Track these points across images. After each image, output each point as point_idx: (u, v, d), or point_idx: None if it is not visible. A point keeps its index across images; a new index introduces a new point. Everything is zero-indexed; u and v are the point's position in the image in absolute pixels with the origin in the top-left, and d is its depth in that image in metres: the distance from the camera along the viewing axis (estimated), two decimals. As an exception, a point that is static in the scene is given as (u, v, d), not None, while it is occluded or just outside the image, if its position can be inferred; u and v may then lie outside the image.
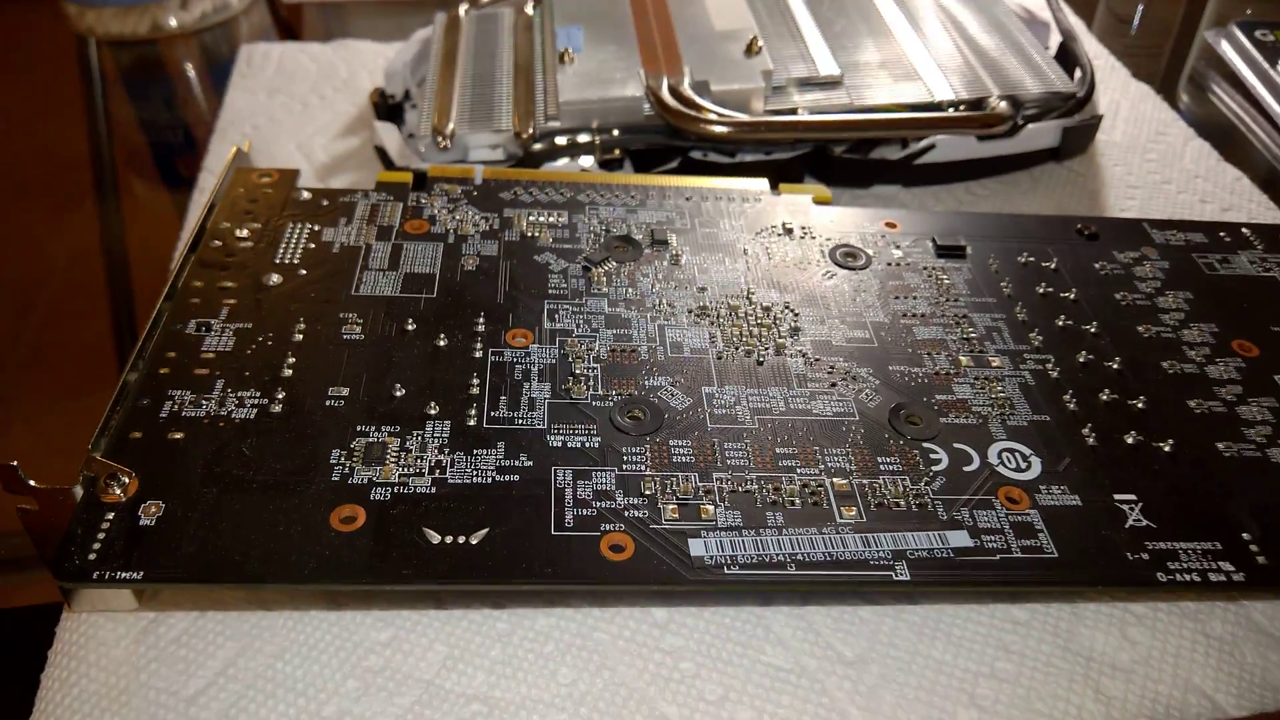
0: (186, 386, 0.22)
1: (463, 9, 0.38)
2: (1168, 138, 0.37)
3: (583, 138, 0.32)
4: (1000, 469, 0.22)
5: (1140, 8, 0.47)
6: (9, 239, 0.35)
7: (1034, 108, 0.33)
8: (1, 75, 0.44)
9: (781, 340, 0.25)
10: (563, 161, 0.32)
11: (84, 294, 0.33)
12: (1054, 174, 0.35)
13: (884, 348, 0.25)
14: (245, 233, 0.27)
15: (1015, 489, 0.22)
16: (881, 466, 0.22)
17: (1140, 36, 0.45)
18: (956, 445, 0.23)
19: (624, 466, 0.22)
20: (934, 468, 0.22)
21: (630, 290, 0.27)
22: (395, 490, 0.21)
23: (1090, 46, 0.42)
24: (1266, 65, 0.39)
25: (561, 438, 0.22)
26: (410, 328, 0.25)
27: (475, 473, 0.21)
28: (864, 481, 0.22)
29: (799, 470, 0.22)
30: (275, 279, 0.26)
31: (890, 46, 0.35)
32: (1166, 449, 0.23)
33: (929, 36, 0.36)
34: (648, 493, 0.21)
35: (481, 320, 0.25)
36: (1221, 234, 0.31)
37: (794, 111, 0.32)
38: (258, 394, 0.22)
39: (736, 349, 0.25)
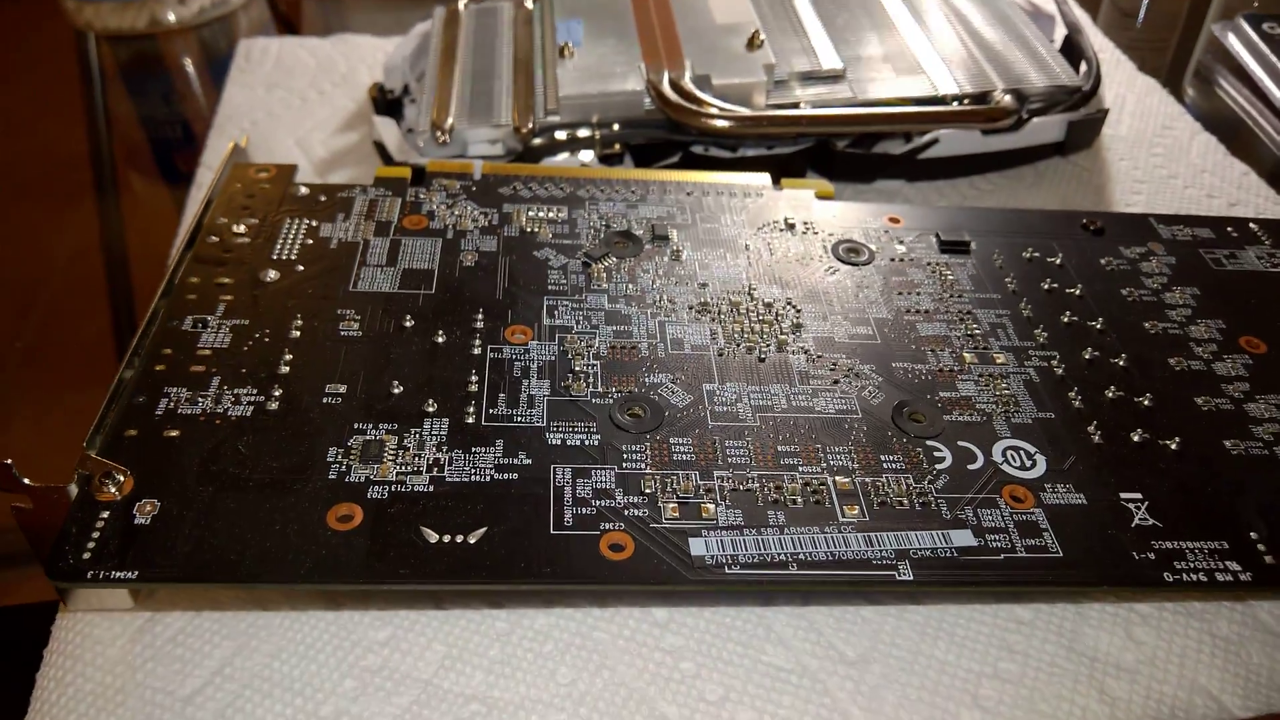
0: (182, 384, 0.22)
1: (462, 3, 0.38)
2: (1174, 132, 0.36)
3: (583, 132, 0.32)
4: (1005, 467, 0.22)
5: (1146, 0, 0.46)
6: (9, 237, 0.35)
7: (1039, 101, 0.33)
8: (1, 71, 0.44)
9: (783, 337, 0.25)
10: (562, 156, 0.32)
11: (84, 291, 0.33)
12: (1059, 169, 0.35)
13: (887, 344, 0.25)
14: (242, 228, 0.27)
15: (1020, 487, 0.22)
16: (884, 464, 0.22)
17: (1146, 29, 0.45)
18: (960, 443, 0.23)
19: (624, 465, 0.21)
20: (937, 466, 0.22)
21: (630, 286, 0.26)
22: (393, 489, 0.20)
23: (1095, 40, 0.41)
24: (1274, 58, 0.39)
25: (561, 435, 0.22)
26: (408, 324, 0.24)
27: (474, 471, 0.21)
28: (867, 480, 0.22)
29: (801, 468, 0.22)
30: (272, 275, 0.26)
31: (893, 40, 0.35)
32: (1173, 447, 0.23)
33: (932, 29, 0.36)
34: (648, 491, 0.21)
35: (480, 316, 0.25)
36: (1229, 229, 0.30)
37: (796, 106, 0.32)
38: (254, 391, 0.22)
39: (738, 345, 0.25)
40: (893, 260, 0.28)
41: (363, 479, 0.21)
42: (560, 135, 0.32)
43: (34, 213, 0.36)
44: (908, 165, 0.33)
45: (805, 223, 0.29)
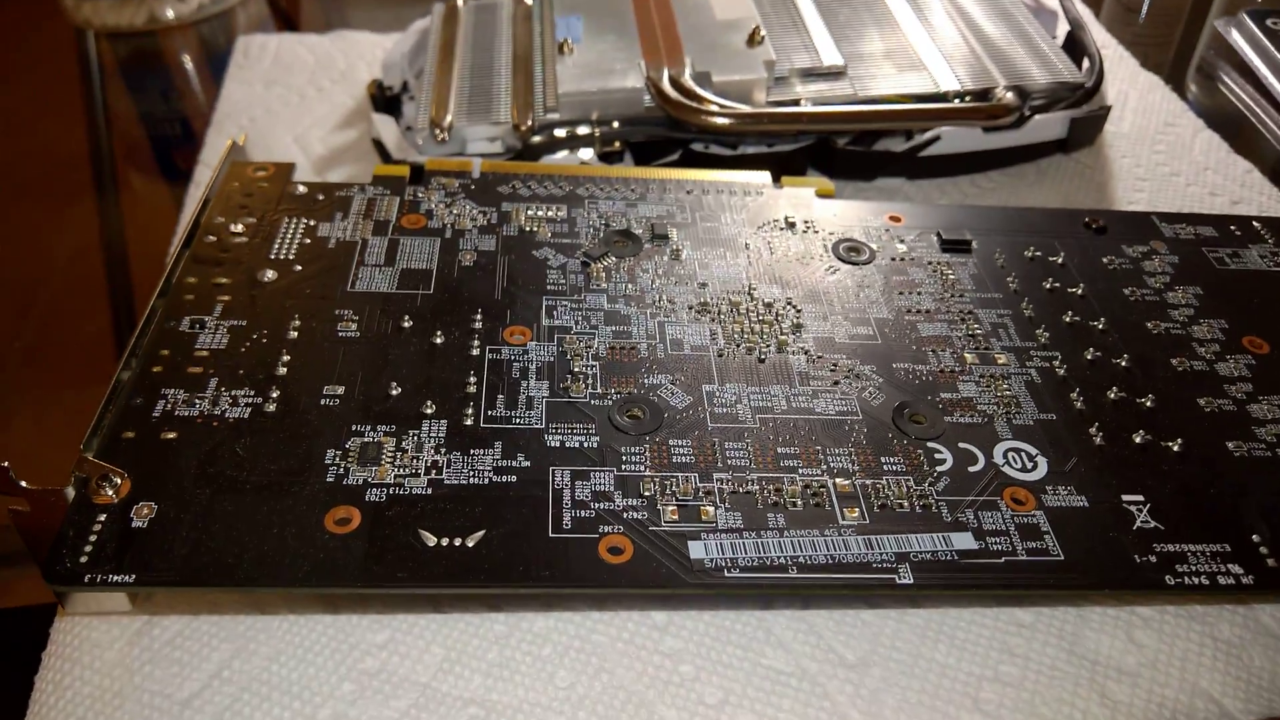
0: (180, 385, 0.22)
1: (461, -1, 0.37)
2: (1177, 129, 0.36)
3: (582, 130, 0.32)
4: (1006, 469, 0.22)
5: (1149, -5, 0.46)
6: (8, 236, 0.35)
7: (1041, 98, 0.33)
8: (0, 70, 0.44)
9: (783, 337, 0.25)
10: (562, 154, 0.32)
11: (83, 290, 0.33)
12: (1061, 166, 0.34)
13: (888, 345, 0.25)
14: (240, 228, 0.27)
15: (1021, 489, 0.22)
16: (885, 467, 0.22)
17: (1149, 25, 0.45)
18: (961, 445, 0.23)
19: (623, 467, 0.21)
20: (938, 468, 0.22)
21: (630, 286, 0.26)
22: (391, 491, 0.20)
23: (1098, 36, 0.41)
24: (1277, 54, 0.38)
25: (560, 437, 0.22)
26: (406, 325, 0.24)
27: (472, 473, 0.21)
28: (867, 482, 0.21)
29: (801, 470, 0.22)
30: (270, 275, 0.25)
31: (894, 36, 0.35)
32: (1175, 448, 0.23)
33: (934, 25, 0.35)
34: (647, 494, 0.21)
35: (479, 317, 0.25)
36: (1232, 227, 0.30)
37: (797, 103, 0.32)
38: (252, 393, 0.22)
39: (738, 346, 0.25)
40: (894, 259, 0.28)
41: (360, 481, 0.20)
42: (560, 133, 0.32)
43: (34, 211, 0.36)
44: (909, 163, 0.33)
45: (806, 221, 0.29)
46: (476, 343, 0.24)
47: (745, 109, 0.31)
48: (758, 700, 0.20)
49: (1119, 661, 0.21)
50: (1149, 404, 0.24)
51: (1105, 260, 0.28)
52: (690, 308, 0.26)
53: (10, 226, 0.36)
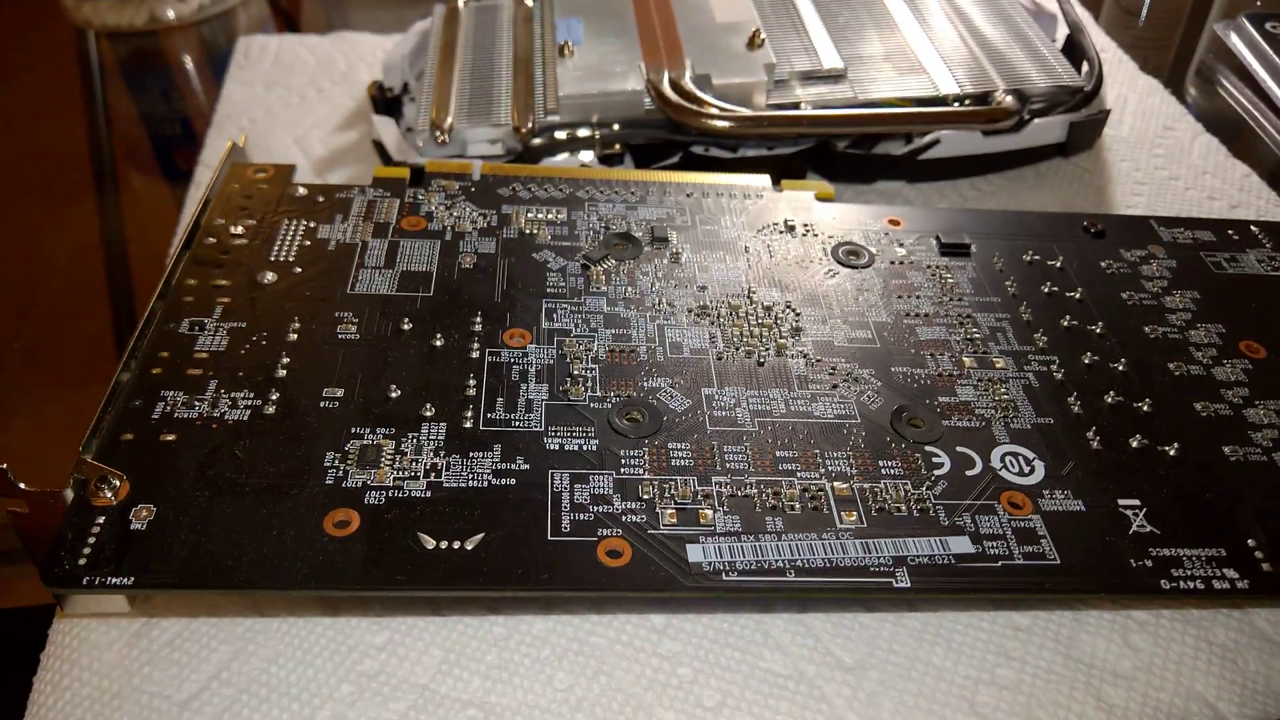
0: (179, 387, 0.22)
1: (462, 1, 0.37)
2: (1176, 133, 0.36)
3: (583, 132, 0.32)
4: (1003, 473, 0.22)
5: (1148, -1, 0.46)
6: (9, 236, 0.35)
7: (1040, 102, 0.33)
8: (0, 69, 0.44)
9: (783, 341, 0.25)
10: (562, 156, 0.32)
11: (83, 290, 0.33)
12: (1060, 169, 0.35)
13: (886, 348, 0.25)
14: (240, 229, 0.27)
15: (1018, 494, 0.22)
16: (883, 470, 0.22)
17: (1148, 28, 0.45)
18: (959, 449, 0.23)
19: (622, 470, 0.21)
20: (936, 472, 0.22)
21: (630, 289, 0.26)
22: (390, 494, 0.20)
23: (1098, 39, 0.41)
24: (1276, 58, 0.39)
25: (559, 440, 0.22)
26: (406, 327, 0.24)
27: (471, 476, 0.21)
28: (865, 486, 0.22)
29: (799, 474, 0.22)
30: (270, 277, 0.25)
31: (894, 39, 0.35)
32: (1172, 453, 0.23)
33: (934, 29, 0.35)
34: (646, 497, 0.21)
35: (479, 319, 0.25)
36: (1230, 232, 0.30)
37: (797, 106, 0.32)
38: (251, 395, 0.22)
39: (737, 349, 0.25)
40: (893, 263, 0.28)
41: (360, 484, 0.21)
42: (560, 135, 0.32)
43: (34, 211, 0.36)
44: (908, 166, 0.33)
45: (805, 225, 0.29)
46: (476, 345, 0.24)
47: (745, 112, 0.31)
48: (755, 703, 0.20)
49: (1115, 665, 0.21)
50: (1146, 408, 0.24)
51: (1103, 264, 0.28)
52: (690, 311, 0.26)
53: (10, 226, 0.36)
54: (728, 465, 0.22)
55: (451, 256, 0.27)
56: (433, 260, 0.27)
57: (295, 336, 0.24)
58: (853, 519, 0.21)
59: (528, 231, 0.28)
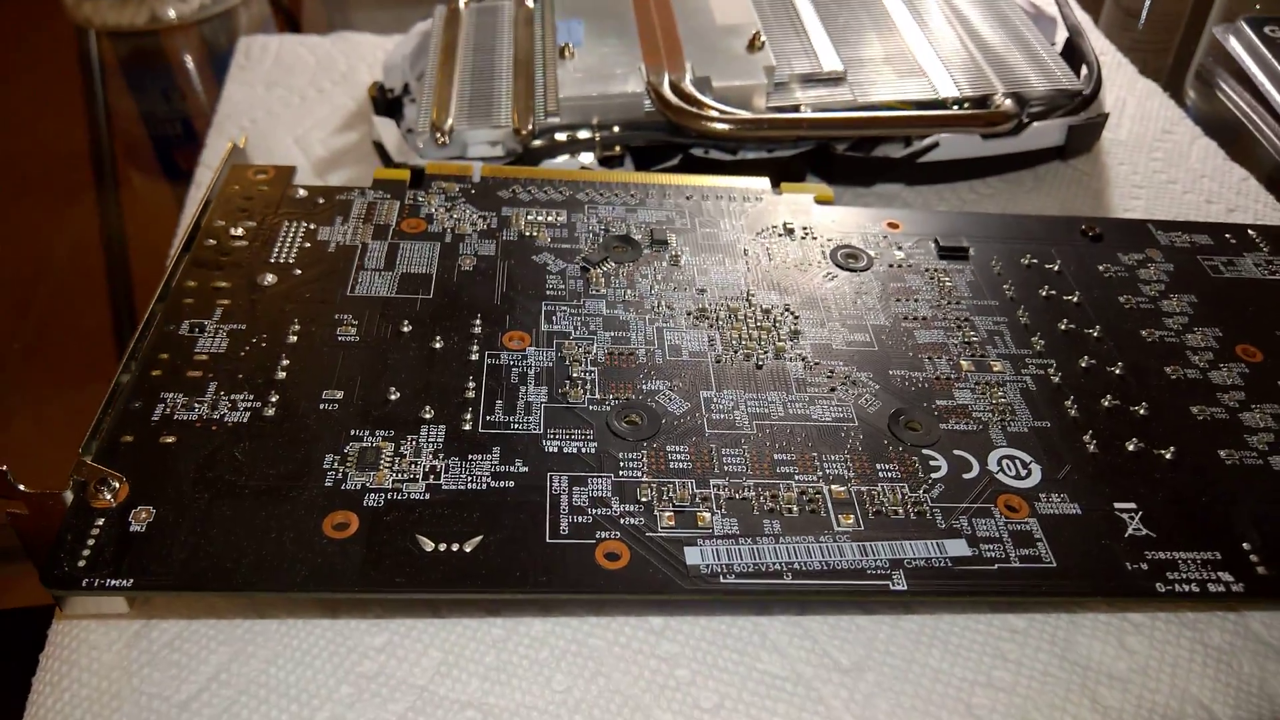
0: (179, 389, 0.22)
1: (463, 1, 0.37)
2: (1174, 136, 0.36)
3: (583, 134, 0.32)
4: (1000, 476, 0.22)
5: (1148, 1, 0.46)
6: (9, 235, 0.35)
7: (1039, 105, 0.33)
8: (1, 68, 0.44)
9: (781, 344, 0.25)
10: (562, 158, 0.32)
11: (84, 288, 0.33)
12: (1059, 173, 0.35)
13: (884, 351, 0.25)
14: (240, 231, 0.27)
15: (1015, 497, 0.22)
16: (880, 473, 0.22)
17: (1148, 31, 0.45)
18: (956, 452, 0.23)
19: (620, 473, 0.21)
20: (933, 475, 0.22)
21: (629, 292, 0.26)
22: (389, 496, 0.20)
23: (1097, 42, 0.41)
24: (1275, 62, 0.39)
25: (558, 443, 0.22)
26: (406, 329, 0.24)
27: (470, 479, 0.21)
28: (862, 489, 0.22)
29: (797, 477, 0.22)
30: (270, 279, 0.26)
31: (894, 41, 0.35)
32: (1168, 456, 0.23)
33: (934, 31, 0.35)
34: (644, 500, 0.21)
35: (478, 322, 0.25)
36: (1227, 235, 0.30)
37: (796, 108, 0.32)
38: (251, 397, 0.22)
39: (735, 352, 0.25)
40: (891, 266, 0.28)
41: (359, 486, 0.21)
42: (560, 137, 0.32)
43: (34, 210, 0.36)
44: (907, 169, 0.33)
45: (804, 228, 0.29)
46: (475, 348, 0.24)
47: (745, 114, 0.31)
48: (753, 705, 0.20)
49: (1110, 667, 0.21)
50: (1142, 412, 0.24)
51: (1101, 268, 0.28)
52: (689, 314, 0.26)
53: (11, 226, 0.36)
54: (726, 468, 0.22)
55: (451, 259, 0.27)
56: (432, 262, 0.27)
57: (295, 339, 0.24)
58: (850, 522, 0.21)
59: (527, 234, 0.28)
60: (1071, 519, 0.21)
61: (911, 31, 0.35)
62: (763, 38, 0.33)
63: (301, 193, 0.29)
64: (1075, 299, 0.27)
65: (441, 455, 0.21)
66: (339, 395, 0.23)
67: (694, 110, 0.31)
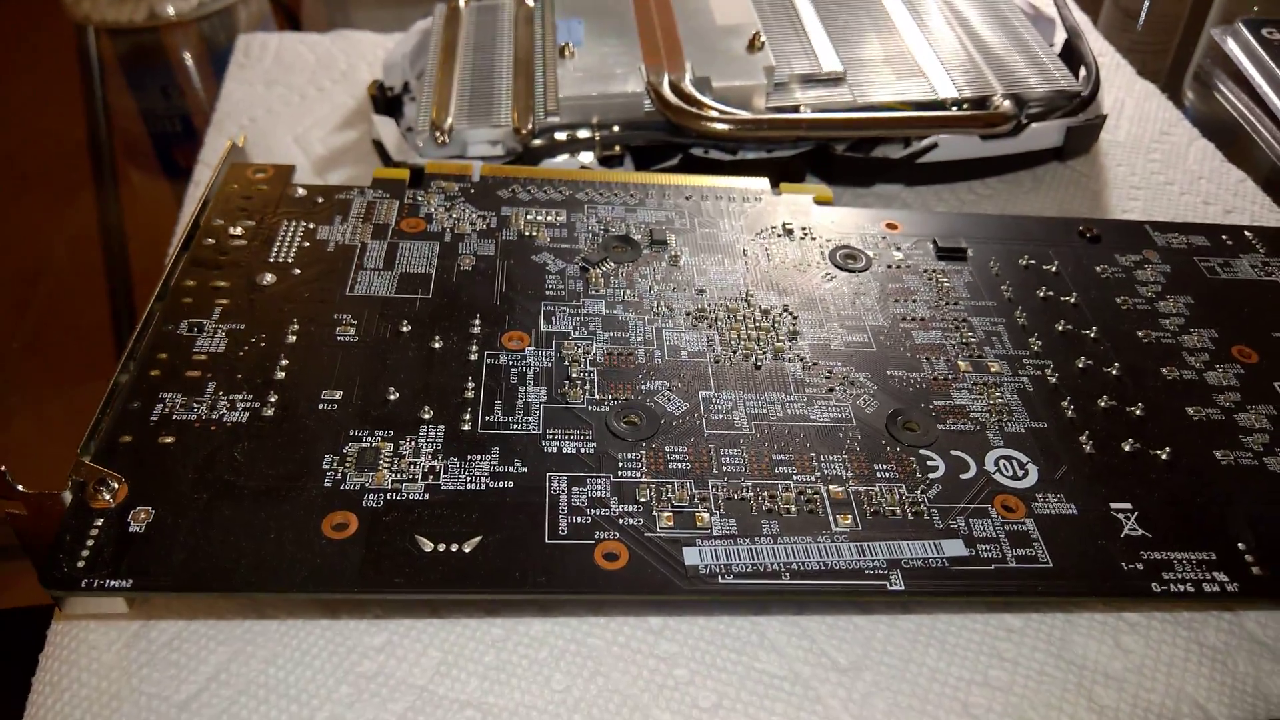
0: (178, 389, 0.22)
1: (463, 0, 0.37)
2: (1172, 138, 0.36)
3: (583, 134, 0.32)
4: (997, 477, 0.22)
5: (1147, 3, 0.46)
6: (8, 231, 0.35)
7: (1038, 106, 0.33)
8: (1, 64, 0.44)
9: (780, 344, 0.25)
10: (562, 158, 0.32)
11: (83, 285, 0.33)
12: (1057, 174, 0.35)
13: (883, 352, 0.25)
14: (239, 230, 0.27)
15: (1012, 497, 0.22)
16: (878, 474, 0.22)
17: (1146, 32, 0.45)
18: (954, 452, 0.23)
19: (619, 473, 0.22)
20: (930, 475, 0.22)
21: (628, 292, 0.26)
22: (388, 497, 0.21)
23: (1096, 43, 0.41)
24: (1273, 64, 0.39)
25: (557, 443, 0.22)
26: (405, 329, 0.25)
27: (469, 479, 0.21)
28: (860, 489, 0.22)
29: (795, 477, 0.22)
30: (269, 278, 0.26)
31: (894, 42, 0.35)
32: (1164, 457, 0.23)
33: (933, 32, 0.36)
34: (643, 500, 0.21)
35: (477, 322, 0.25)
36: (1224, 237, 0.30)
37: (796, 109, 0.32)
38: (250, 397, 0.22)
39: (734, 353, 0.25)
40: (890, 267, 0.28)
41: (358, 487, 0.21)
42: (560, 136, 0.32)
43: (33, 208, 0.36)
44: (906, 169, 0.33)
45: (803, 228, 0.29)
46: (475, 348, 0.24)
47: (744, 115, 0.31)
48: (751, 704, 0.20)
49: (1106, 667, 0.21)
50: (1139, 413, 0.24)
51: (1098, 269, 0.29)
52: (688, 314, 0.26)
53: (10, 223, 0.36)
54: (724, 468, 0.22)
55: (450, 258, 0.27)
56: (432, 262, 0.27)
57: (294, 338, 0.24)
58: (848, 522, 0.21)
59: (527, 234, 0.28)
60: (1068, 519, 0.22)
61: (911, 32, 0.35)
62: (762, 38, 0.33)
63: (300, 192, 0.29)
64: (1073, 300, 0.27)
65: (440, 455, 0.21)
66: (338, 395, 0.23)
67: (694, 110, 0.31)
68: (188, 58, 0.44)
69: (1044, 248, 0.29)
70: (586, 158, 0.32)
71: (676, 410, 0.23)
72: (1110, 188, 0.34)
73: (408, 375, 0.23)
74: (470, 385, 0.23)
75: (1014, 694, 0.20)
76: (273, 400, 0.22)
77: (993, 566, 0.20)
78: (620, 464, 0.22)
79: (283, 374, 0.23)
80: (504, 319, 0.25)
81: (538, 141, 0.31)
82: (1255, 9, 0.44)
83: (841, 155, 0.33)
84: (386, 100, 0.35)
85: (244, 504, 0.20)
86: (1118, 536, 0.21)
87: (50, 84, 0.43)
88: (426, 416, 0.22)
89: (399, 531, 0.20)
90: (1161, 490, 0.22)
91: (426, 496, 0.21)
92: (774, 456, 0.22)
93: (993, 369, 0.25)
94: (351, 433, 0.22)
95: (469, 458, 0.21)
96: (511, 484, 0.21)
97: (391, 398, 0.23)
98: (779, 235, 0.29)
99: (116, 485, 0.20)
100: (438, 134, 0.31)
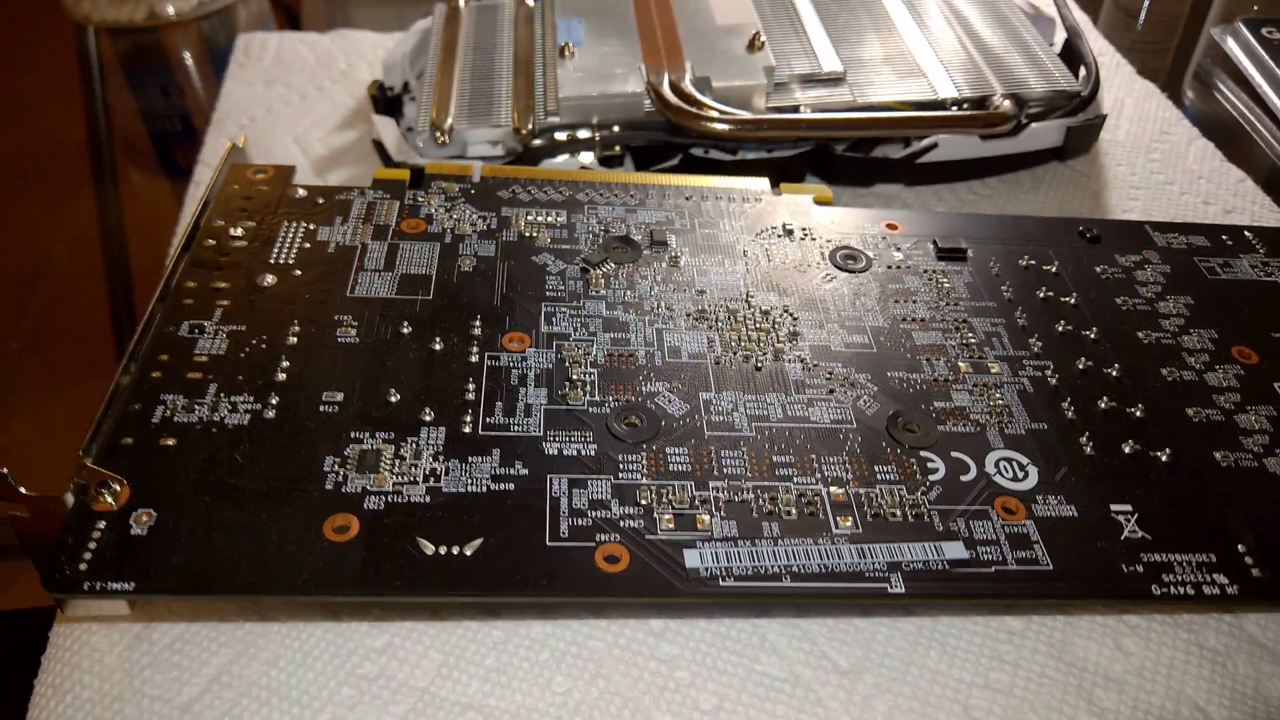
0: (179, 391, 0.22)
1: (462, 0, 0.37)
2: (1172, 137, 0.36)
3: (583, 134, 0.32)
4: (997, 479, 0.22)
5: (1147, 2, 0.46)
6: (8, 231, 0.35)
7: (1038, 106, 0.33)
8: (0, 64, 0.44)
9: (780, 345, 0.25)
10: (562, 158, 0.32)
11: (83, 285, 0.33)
12: (1057, 173, 0.35)
13: (883, 353, 0.25)
14: (239, 231, 0.27)
15: (1012, 499, 0.22)
16: (878, 475, 0.22)
17: (1146, 31, 0.45)
18: (954, 454, 0.23)
19: (620, 475, 0.22)
20: (931, 477, 0.22)
21: (629, 293, 0.26)
22: (389, 499, 0.21)
23: (1096, 43, 0.41)
24: (1272, 63, 0.39)
25: (557, 445, 0.22)
26: (406, 330, 0.25)
27: (470, 481, 0.21)
28: (860, 491, 0.22)
29: (795, 479, 0.22)
30: (269, 280, 0.26)
31: (894, 42, 0.35)
32: (1164, 458, 0.23)
33: (933, 32, 0.36)
34: (643, 502, 0.21)
35: (478, 323, 0.25)
36: (1223, 237, 0.30)
37: (796, 109, 0.32)
38: (251, 399, 0.22)
39: (734, 354, 0.25)
40: (890, 267, 0.28)
41: (359, 489, 0.21)
42: (560, 136, 0.32)
43: (34, 207, 0.36)
44: (906, 169, 0.33)
45: (803, 229, 0.29)
46: (475, 349, 0.24)
47: (745, 115, 0.31)
48: (752, 706, 0.20)
49: (1106, 669, 0.21)
50: (1139, 414, 0.24)
51: (1098, 269, 0.29)
52: (688, 315, 0.26)
53: (10, 223, 0.36)
54: (725, 470, 0.22)
55: (451, 259, 0.27)
56: (432, 263, 0.27)
57: (295, 340, 0.24)
58: (848, 524, 0.21)
59: (527, 234, 0.28)
60: (1068, 521, 0.22)
61: (911, 32, 0.35)
62: (762, 38, 0.33)
63: (301, 192, 0.29)
64: (1073, 300, 0.27)
65: (441, 457, 0.21)
66: (339, 397, 0.23)
67: (694, 110, 0.31)
68: (187, 57, 0.44)
69: (1044, 248, 0.29)
70: (587, 158, 0.32)
71: (677, 412, 0.23)
72: (1110, 187, 0.34)
73: (408, 377, 0.23)
74: (471, 387, 0.23)
75: (1014, 696, 0.20)
76: (274, 402, 0.22)
77: (993, 569, 0.21)
78: (621, 466, 0.22)
79: (284, 375, 0.23)
80: (504, 320, 0.25)
81: (538, 142, 0.31)
82: (1255, 8, 0.44)
83: (841, 155, 0.33)
84: (386, 100, 0.34)
85: (245, 506, 0.20)
86: (1118, 538, 0.21)
87: (50, 83, 0.43)
88: (427, 418, 0.22)
89: (400, 534, 0.20)
90: (1161, 492, 0.22)
91: (428, 499, 0.21)
92: (774, 458, 0.22)
93: (993, 370, 0.25)
94: (352, 435, 0.22)
95: (470, 460, 0.22)
96: (512, 486, 0.21)
97: (392, 399, 0.23)
98: (779, 236, 0.29)
99: (119, 487, 0.20)
100: (438, 134, 0.31)
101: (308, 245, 0.27)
